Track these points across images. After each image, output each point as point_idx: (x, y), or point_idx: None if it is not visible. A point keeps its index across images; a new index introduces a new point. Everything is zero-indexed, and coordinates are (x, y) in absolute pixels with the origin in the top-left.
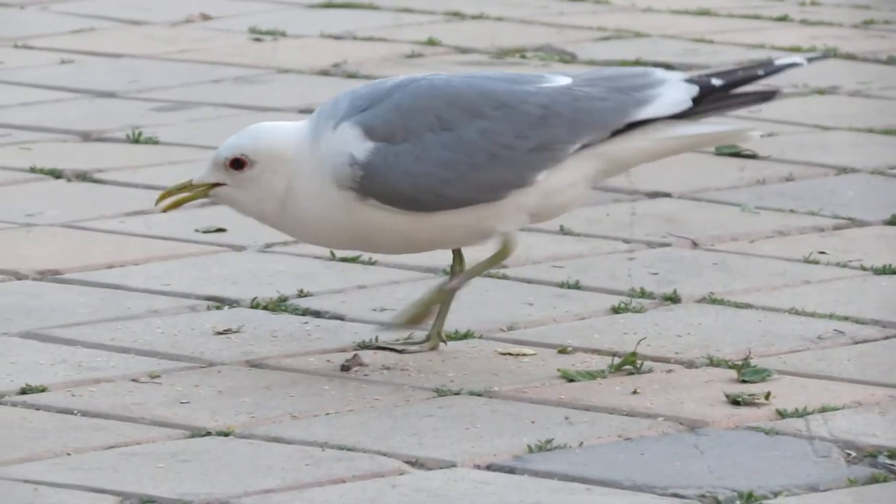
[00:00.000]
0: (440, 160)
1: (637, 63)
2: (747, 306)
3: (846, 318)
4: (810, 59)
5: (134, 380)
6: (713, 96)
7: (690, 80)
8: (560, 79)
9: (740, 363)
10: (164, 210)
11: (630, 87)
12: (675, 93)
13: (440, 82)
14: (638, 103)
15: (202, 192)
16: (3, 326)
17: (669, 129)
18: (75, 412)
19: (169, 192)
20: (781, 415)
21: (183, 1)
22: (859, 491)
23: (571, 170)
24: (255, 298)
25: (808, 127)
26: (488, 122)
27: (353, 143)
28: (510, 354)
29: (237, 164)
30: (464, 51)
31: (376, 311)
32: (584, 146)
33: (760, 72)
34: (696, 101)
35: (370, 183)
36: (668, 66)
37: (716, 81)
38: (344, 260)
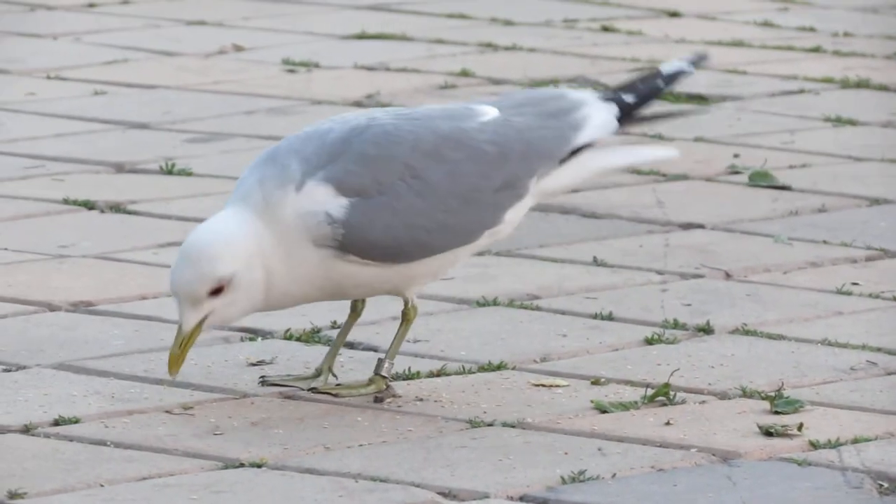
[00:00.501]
0: (417, 210)
1: (670, 94)
2: (780, 337)
3: (879, 349)
4: (696, 64)
5: (167, 411)
6: (633, 114)
7: (605, 99)
8: (488, 109)
9: (773, 394)
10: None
11: (558, 112)
12: (602, 114)
13: (392, 128)
14: (573, 128)
15: (198, 332)
16: (36, 358)
17: (601, 158)
18: (108, 443)
19: (176, 359)
20: (814, 446)
21: (216, 32)
22: None
23: (525, 204)
24: (288, 330)
25: (840, 158)
26: (453, 165)
27: (328, 202)
28: (543, 386)
29: (216, 290)
30: (497, 82)
31: (409, 342)
32: (538, 179)
33: (661, 83)
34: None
35: (351, 240)
36: (701, 98)
37: (628, 98)
38: None
